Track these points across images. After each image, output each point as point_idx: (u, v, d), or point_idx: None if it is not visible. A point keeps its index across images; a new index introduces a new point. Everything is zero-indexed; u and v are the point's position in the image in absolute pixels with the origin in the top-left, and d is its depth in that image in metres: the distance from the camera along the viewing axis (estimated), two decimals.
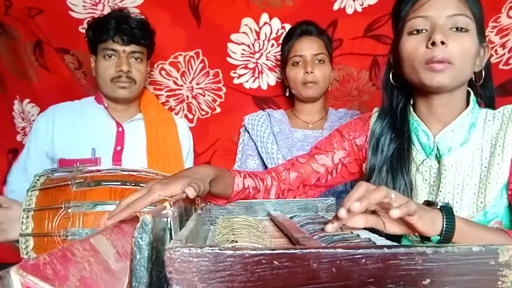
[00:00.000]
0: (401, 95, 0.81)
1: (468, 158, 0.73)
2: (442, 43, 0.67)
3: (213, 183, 0.69)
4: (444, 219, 0.54)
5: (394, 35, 0.80)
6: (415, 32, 0.72)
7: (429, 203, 0.59)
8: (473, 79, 0.75)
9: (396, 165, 0.77)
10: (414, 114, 0.78)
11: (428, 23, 0.70)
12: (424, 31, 0.71)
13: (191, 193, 0.55)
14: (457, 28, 0.69)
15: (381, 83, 0.85)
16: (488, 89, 0.78)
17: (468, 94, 0.77)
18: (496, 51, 1.32)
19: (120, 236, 0.44)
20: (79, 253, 0.32)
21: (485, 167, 0.72)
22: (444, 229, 0.54)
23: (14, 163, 1.23)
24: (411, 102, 0.80)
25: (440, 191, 0.74)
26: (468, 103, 0.76)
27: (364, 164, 0.85)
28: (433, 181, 0.76)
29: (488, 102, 0.78)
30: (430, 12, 0.70)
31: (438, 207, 0.56)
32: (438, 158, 0.75)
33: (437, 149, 0.75)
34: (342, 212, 0.51)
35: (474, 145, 0.74)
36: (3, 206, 0.84)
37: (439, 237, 0.55)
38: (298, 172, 0.86)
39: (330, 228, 0.53)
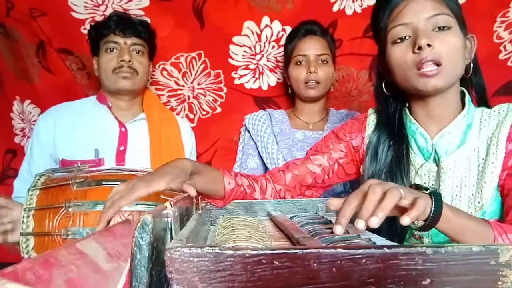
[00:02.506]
0: (395, 102, 0.81)
1: (466, 160, 0.73)
2: (428, 45, 0.67)
3: (196, 177, 0.69)
4: (433, 205, 0.54)
5: (377, 46, 0.80)
6: (398, 41, 0.72)
7: (417, 187, 0.58)
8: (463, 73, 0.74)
9: (396, 170, 0.77)
10: (411, 117, 0.78)
11: (409, 29, 0.70)
12: (407, 37, 0.71)
13: (193, 192, 0.55)
14: (439, 28, 0.69)
15: (374, 94, 0.84)
16: (478, 76, 0.77)
17: (463, 95, 0.76)
18: (505, 47, 1.30)
19: (110, 238, 0.43)
20: (64, 257, 0.31)
21: (482, 167, 0.72)
22: (431, 214, 0.54)
23: (20, 170, 1.22)
24: (407, 105, 0.80)
25: None
26: (463, 104, 0.76)
27: (361, 166, 0.85)
28: (432, 184, 0.76)
29: (480, 89, 0.78)
30: (408, 18, 0.70)
31: (427, 192, 0.55)
32: (437, 161, 0.75)
33: (435, 152, 0.75)
34: (361, 225, 0.48)
35: (471, 146, 0.74)
36: (7, 207, 0.84)
37: (423, 222, 0.54)
38: (293, 173, 0.86)
39: (339, 231, 0.51)
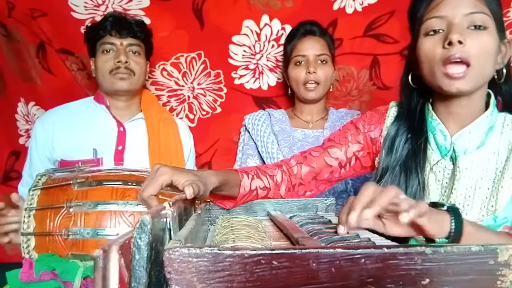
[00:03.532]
0: (419, 96, 0.80)
1: (483, 162, 0.72)
2: (460, 42, 0.65)
3: (217, 188, 0.68)
4: (452, 222, 0.53)
5: (411, 36, 0.78)
6: (431, 33, 0.70)
7: (434, 205, 0.57)
8: (495, 77, 0.72)
9: (411, 163, 0.75)
10: (433, 113, 0.77)
11: (444, 23, 0.69)
12: (440, 31, 0.69)
13: (189, 192, 0.55)
14: (475, 27, 0.67)
15: (400, 85, 0.83)
16: (508, 84, 0.76)
17: (488, 96, 0.75)
18: None
19: None
20: None
21: (500, 171, 0.71)
22: (452, 231, 0.53)
23: (23, 172, 1.23)
24: (430, 100, 0.79)
25: (452, 193, 0.72)
26: (487, 105, 0.74)
27: (376, 158, 0.84)
28: (446, 183, 0.74)
29: (507, 96, 0.76)
30: (446, 11, 0.68)
31: (445, 208, 0.54)
32: (453, 160, 0.74)
33: (453, 150, 0.74)
34: (353, 217, 0.48)
35: (491, 148, 0.72)
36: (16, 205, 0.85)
37: (445, 240, 0.54)
38: (310, 166, 0.84)
39: (342, 231, 0.51)
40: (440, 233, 0.53)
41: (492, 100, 0.74)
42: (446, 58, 0.67)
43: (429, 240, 0.55)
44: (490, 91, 0.75)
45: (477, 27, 0.67)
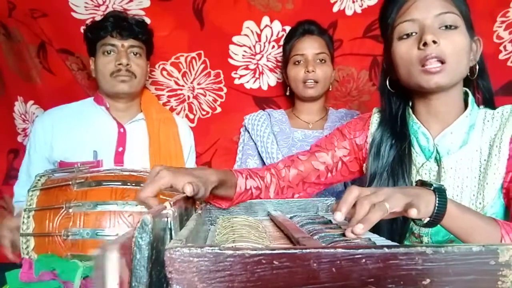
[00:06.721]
0: (399, 100, 0.81)
1: (467, 160, 0.73)
2: (434, 42, 0.67)
3: (215, 188, 0.69)
4: (436, 202, 0.53)
5: (384, 42, 0.80)
6: (405, 37, 0.72)
7: (422, 183, 0.58)
8: (468, 74, 0.74)
9: (397, 168, 0.77)
10: (414, 116, 0.78)
11: (416, 25, 0.71)
12: (413, 34, 0.71)
13: (189, 190, 0.55)
14: (446, 26, 0.69)
15: (379, 90, 0.85)
16: (485, 80, 0.77)
17: (466, 95, 0.76)
18: (505, 47, 1.30)
19: None
20: None
21: (484, 168, 0.72)
22: (434, 211, 0.53)
23: (19, 173, 1.22)
24: (410, 104, 0.80)
25: None
26: (466, 104, 0.75)
27: (364, 164, 0.85)
28: None
29: (487, 93, 0.78)
30: (416, 14, 0.70)
31: (432, 188, 0.55)
32: (438, 161, 0.75)
33: (437, 151, 0.75)
34: (348, 234, 0.48)
35: (473, 146, 0.74)
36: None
37: (428, 219, 0.54)
38: (297, 169, 0.86)
39: (339, 218, 0.51)
40: (425, 214, 0.53)
41: (471, 98, 0.76)
42: (423, 57, 0.69)
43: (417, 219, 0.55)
44: (468, 90, 0.76)
45: (448, 27, 0.69)
